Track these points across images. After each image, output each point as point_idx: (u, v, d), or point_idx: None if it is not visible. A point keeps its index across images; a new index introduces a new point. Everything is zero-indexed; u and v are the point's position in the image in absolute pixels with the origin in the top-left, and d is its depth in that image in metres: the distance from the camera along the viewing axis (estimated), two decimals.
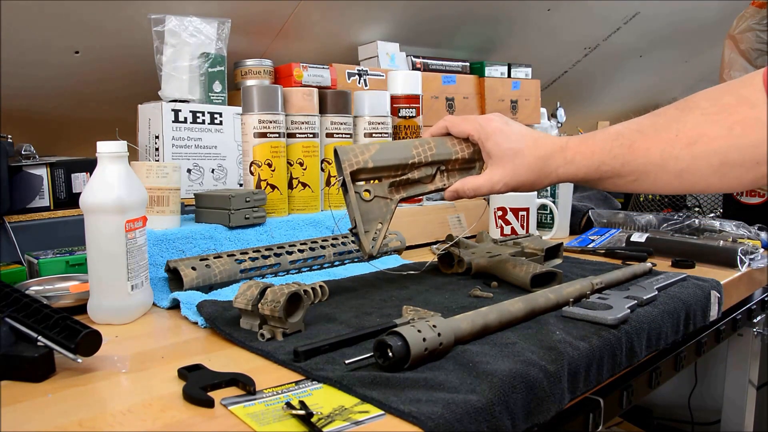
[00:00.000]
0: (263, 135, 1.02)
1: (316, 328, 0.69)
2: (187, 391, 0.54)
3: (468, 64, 1.65)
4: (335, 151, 0.78)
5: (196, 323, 0.74)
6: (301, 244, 0.96)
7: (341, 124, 1.12)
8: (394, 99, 1.22)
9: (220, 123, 1.13)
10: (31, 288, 0.81)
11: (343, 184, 0.77)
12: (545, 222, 1.29)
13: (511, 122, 0.77)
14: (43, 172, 1.04)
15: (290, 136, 1.06)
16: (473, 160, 0.82)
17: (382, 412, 0.51)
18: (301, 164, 1.07)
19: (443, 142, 0.81)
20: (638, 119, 0.68)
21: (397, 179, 0.79)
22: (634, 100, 2.58)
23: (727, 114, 0.61)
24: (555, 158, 0.72)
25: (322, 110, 1.11)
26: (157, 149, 1.09)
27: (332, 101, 1.12)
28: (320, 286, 0.70)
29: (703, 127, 0.62)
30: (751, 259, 1.05)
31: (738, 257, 1.03)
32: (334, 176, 1.11)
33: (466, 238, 1.06)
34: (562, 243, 1.02)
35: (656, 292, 0.82)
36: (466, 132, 0.79)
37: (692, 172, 0.63)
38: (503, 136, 0.75)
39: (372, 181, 0.78)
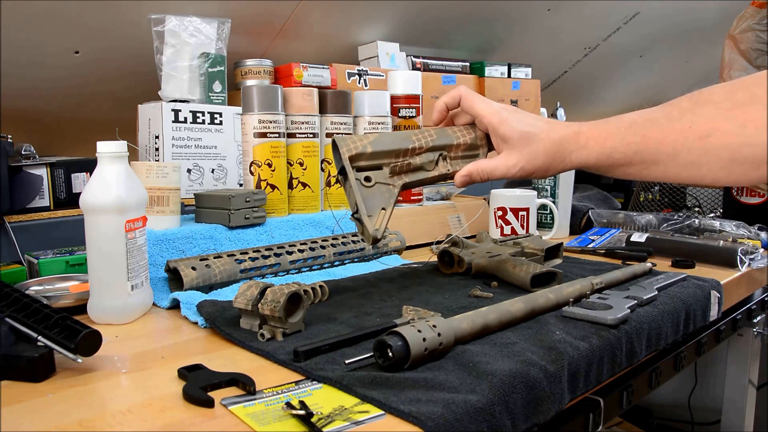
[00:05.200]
0: (263, 135, 1.02)
1: (316, 328, 0.69)
2: (187, 391, 0.54)
3: (468, 64, 1.65)
4: (333, 142, 0.76)
5: (196, 323, 0.74)
6: (301, 244, 0.96)
7: (341, 124, 1.12)
8: (394, 99, 1.22)
9: (220, 123, 1.13)
10: (31, 288, 0.81)
11: (342, 172, 0.75)
12: (545, 222, 1.29)
13: (519, 110, 0.78)
14: (43, 172, 1.04)
15: (290, 136, 1.06)
16: (476, 146, 0.80)
17: (382, 412, 0.51)
18: (301, 164, 1.07)
19: (443, 130, 0.80)
20: (651, 109, 0.69)
21: (398, 165, 0.76)
22: (634, 100, 2.58)
23: (740, 111, 0.61)
24: (569, 142, 0.72)
25: (322, 110, 1.11)
26: (157, 149, 1.09)
27: (332, 101, 1.12)
28: (320, 286, 0.70)
29: (716, 122, 0.62)
30: (751, 259, 1.05)
31: (738, 257, 1.03)
32: (335, 176, 1.11)
33: (467, 237, 1.06)
34: (562, 243, 1.02)
35: (656, 292, 0.82)
36: (479, 112, 0.78)
37: (702, 165, 0.64)
38: (518, 121, 0.75)
39: (373, 171, 0.75)
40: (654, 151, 0.66)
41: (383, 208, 0.74)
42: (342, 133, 1.13)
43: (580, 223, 1.35)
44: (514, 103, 1.68)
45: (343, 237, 1.02)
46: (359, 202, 0.73)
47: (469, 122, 0.81)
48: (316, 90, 1.10)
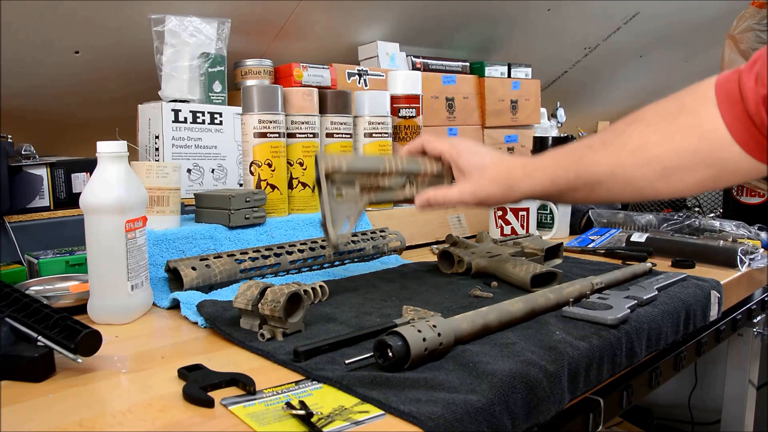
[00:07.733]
0: (263, 135, 1.02)
1: (316, 328, 0.69)
2: (187, 391, 0.54)
3: (468, 64, 1.65)
4: (315, 158, 0.82)
5: (196, 323, 0.74)
6: (301, 244, 0.96)
7: (341, 124, 1.12)
8: (394, 99, 1.22)
9: (220, 123, 1.13)
10: (31, 288, 0.81)
11: (318, 183, 0.81)
12: (545, 222, 1.29)
13: (480, 144, 0.85)
14: (43, 172, 1.04)
15: (290, 136, 1.06)
16: (441, 176, 0.87)
17: (382, 412, 0.51)
18: (301, 164, 1.07)
19: (414, 158, 0.87)
20: (590, 137, 0.73)
21: (369, 184, 0.83)
22: (634, 100, 2.58)
23: (667, 123, 0.64)
24: (516, 172, 0.77)
25: (322, 110, 1.11)
26: (157, 149, 1.09)
27: (332, 101, 1.12)
28: (320, 286, 0.70)
29: (646, 137, 0.65)
30: (751, 259, 1.05)
31: (738, 257, 1.03)
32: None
33: (467, 237, 1.06)
34: (562, 243, 1.02)
35: (656, 292, 0.82)
36: (439, 150, 0.84)
37: (639, 179, 0.66)
38: (473, 154, 0.81)
39: (345, 186, 0.83)
40: (591, 173, 0.69)
41: (348, 217, 0.82)
42: (342, 134, 1.13)
43: (580, 223, 1.36)
44: (514, 102, 1.68)
45: None
46: (326, 212, 0.80)
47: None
48: (316, 90, 1.10)
